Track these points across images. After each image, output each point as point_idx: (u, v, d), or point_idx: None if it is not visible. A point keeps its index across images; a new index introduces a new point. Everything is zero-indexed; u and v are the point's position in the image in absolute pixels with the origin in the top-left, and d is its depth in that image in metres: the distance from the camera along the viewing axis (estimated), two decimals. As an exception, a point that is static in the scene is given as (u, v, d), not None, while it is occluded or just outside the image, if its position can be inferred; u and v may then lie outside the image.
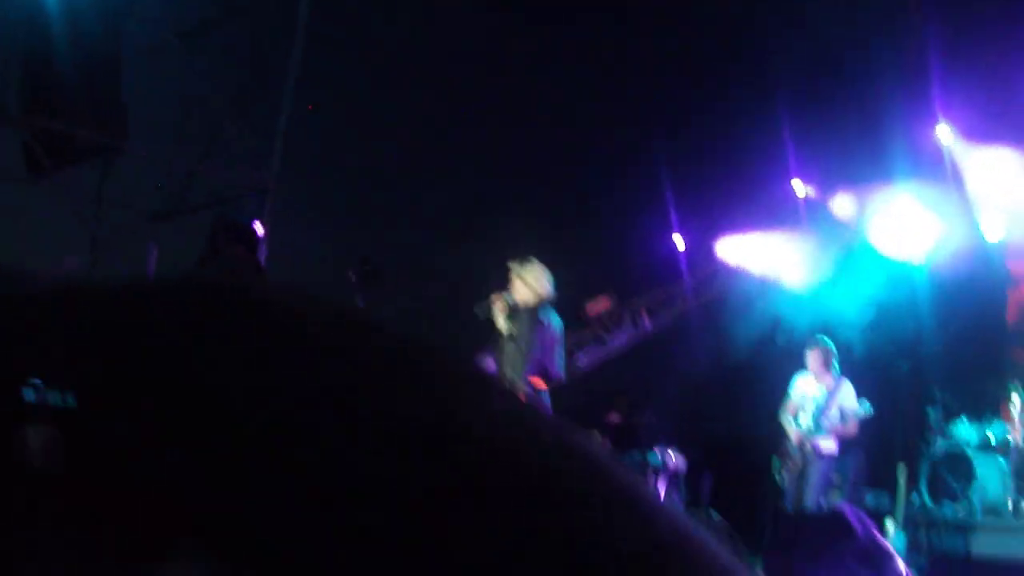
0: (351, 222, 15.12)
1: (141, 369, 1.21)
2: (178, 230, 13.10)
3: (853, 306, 15.60)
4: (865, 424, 11.85)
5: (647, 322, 18.50)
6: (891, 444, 13.51)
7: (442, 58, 15.73)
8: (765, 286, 17.20)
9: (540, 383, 9.19)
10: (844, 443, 12.02)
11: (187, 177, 13.61)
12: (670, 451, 12.85)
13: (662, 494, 11.72)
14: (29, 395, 1.16)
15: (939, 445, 12.68)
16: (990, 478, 12.07)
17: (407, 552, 1.15)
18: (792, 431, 11.95)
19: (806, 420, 11.87)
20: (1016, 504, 11.85)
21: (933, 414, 12.98)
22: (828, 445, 11.81)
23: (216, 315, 1.32)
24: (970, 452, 12.31)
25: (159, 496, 1.19)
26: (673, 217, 17.55)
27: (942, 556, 11.71)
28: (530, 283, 9.38)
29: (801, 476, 11.79)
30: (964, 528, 11.84)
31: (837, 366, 12.03)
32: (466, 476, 1.22)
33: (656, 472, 12.41)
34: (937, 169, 15.31)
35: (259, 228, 10.33)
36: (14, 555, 1.18)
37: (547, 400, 9.06)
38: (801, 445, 11.82)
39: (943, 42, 14.14)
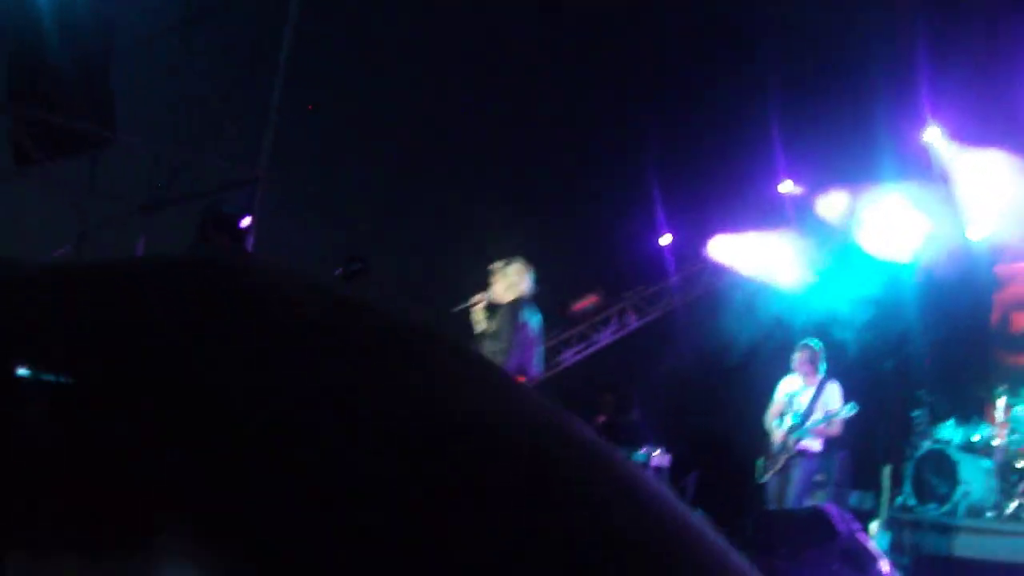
0: (341, 215, 15.11)
1: (137, 360, 1.20)
2: (167, 222, 13.06)
3: (840, 306, 15.63)
4: (850, 425, 11.87)
5: (633, 320, 18.51)
6: (876, 445, 13.54)
7: (433, 53, 15.72)
8: (752, 285, 17.23)
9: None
10: (829, 443, 12.03)
11: (177, 169, 13.57)
12: (655, 449, 12.86)
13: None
14: (23, 374, 1.16)
15: (924, 446, 12.71)
16: (975, 480, 12.10)
17: (407, 551, 1.15)
18: (777, 431, 11.96)
19: (791, 420, 11.88)
20: (1000, 506, 11.88)
21: (918, 415, 13.01)
22: (813, 445, 11.82)
23: (213, 294, 1.31)
24: (955, 453, 12.34)
25: (157, 493, 1.18)
26: (660, 215, 17.57)
27: (926, 557, 11.74)
28: (511, 281, 9.40)
29: (785, 476, 11.80)
30: (948, 529, 11.86)
31: (824, 367, 12.04)
32: (467, 472, 1.22)
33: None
34: (925, 170, 15.35)
35: (246, 220, 10.31)
36: (13, 556, 1.17)
37: None
38: (786, 445, 11.83)
39: (932, 43, 14.16)
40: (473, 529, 1.10)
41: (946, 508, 12.08)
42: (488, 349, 9.28)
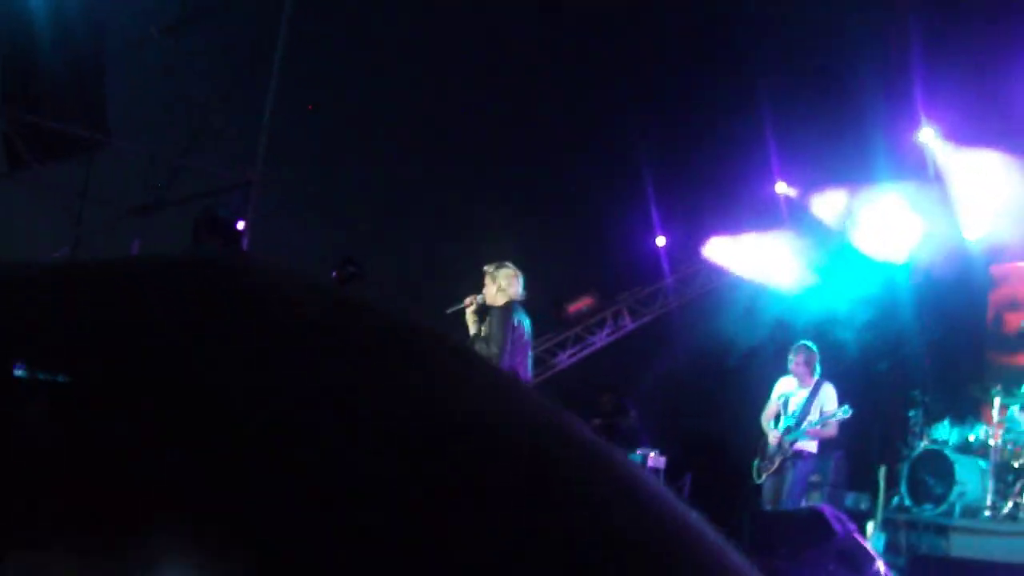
0: (336, 217, 15.11)
1: (136, 360, 1.20)
2: (162, 225, 13.06)
3: (835, 307, 15.64)
4: (846, 425, 11.86)
5: (629, 322, 18.51)
6: (872, 446, 13.54)
7: (430, 54, 15.72)
8: (747, 286, 17.24)
9: None
10: (825, 445, 12.04)
11: (171, 172, 13.57)
12: (651, 451, 12.86)
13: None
14: (20, 373, 1.16)
15: (920, 447, 12.71)
16: (970, 480, 12.11)
17: (407, 551, 1.14)
18: (772, 432, 11.96)
19: (787, 422, 11.88)
20: (996, 506, 11.89)
21: (914, 416, 13.02)
22: (809, 446, 11.82)
23: (213, 293, 1.31)
24: (950, 454, 12.34)
25: (157, 493, 1.18)
26: (656, 216, 17.57)
27: (922, 557, 11.74)
28: (502, 285, 9.42)
29: (781, 477, 11.80)
30: (944, 530, 11.87)
31: (819, 368, 12.04)
32: (468, 472, 1.21)
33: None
34: (920, 170, 15.36)
35: (241, 223, 10.32)
36: (12, 556, 1.16)
37: None
38: (781, 446, 11.83)
39: (927, 43, 14.18)
40: (473, 529, 1.09)
41: (942, 508, 12.09)
42: (479, 351, 9.28)
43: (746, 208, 17.25)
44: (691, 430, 15.49)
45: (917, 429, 12.93)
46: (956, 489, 12.05)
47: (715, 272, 17.97)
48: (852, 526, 9.84)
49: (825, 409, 11.75)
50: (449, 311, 9.52)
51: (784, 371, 12.19)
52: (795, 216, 17.06)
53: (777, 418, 11.98)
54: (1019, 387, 12.44)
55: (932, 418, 13.00)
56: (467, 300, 9.49)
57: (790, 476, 11.76)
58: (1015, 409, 12.26)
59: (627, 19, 16.10)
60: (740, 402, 13.14)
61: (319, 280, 1.47)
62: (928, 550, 11.83)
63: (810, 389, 11.90)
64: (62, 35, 11.77)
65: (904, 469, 12.69)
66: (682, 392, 15.81)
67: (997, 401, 12.39)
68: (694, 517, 1.32)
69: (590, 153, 17.00)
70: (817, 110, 15.02)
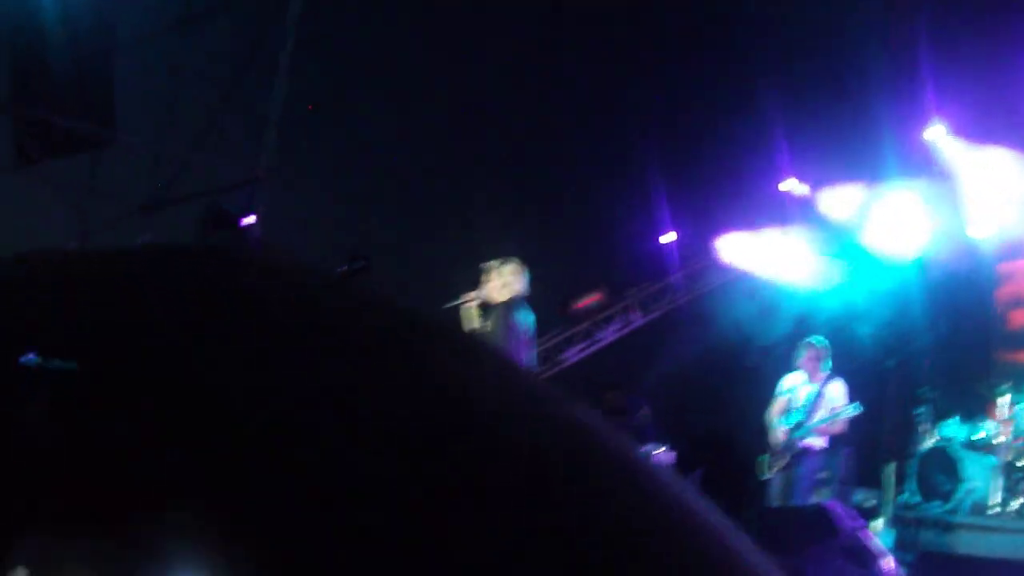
0: (343, 213, 15.10)
1: (137, 358, 1.20)
2: (168, 222, 13.06)
3: (844, 303, 15.61)
4: (854, 422, 11.86)
5: (637, 317, 18.49)
6: (880, 442, 13.53)
7: (434, 52, 15.70)
8: (755, 283, 17.21)
9: None
10: (833, 441, 12.03)
11: (178, 169, 13.56)
12: (659, 447, 12.85)
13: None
14: (29, 363, 1.16)
15: (927, 444, 12.69)
16: (978, 477, 12.09)
17: (407, 551, 1.14)
18: (780, 428, 11.95)
19: (795, 417, 11.88)
20: (1004, 503, 11.87)
21: (922, 413, 12.99)
22: (816, 443, 11.82)
23: (213, 288, 1.31)
24: (959, 451, 12.33)
25: (159, 493, 1.18)
26: (665, 212, 17.55)
27: (930, 554, 11.73)
28: (506, 280, 9.40)
29: (789, 473, 11.81)
30: (952, 526, 11.85)
31: (828, 364, 12.03)
32: (468, 471, 1.21)
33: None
34: (929, 167, 15.32)
35: (247, 220, 10.32)
36: (16, 553, 1.17)
37: None
38: (789, 443, 11.82)
39: (936, 39, 14.15)
40: (473, 528, 1.09)
41: (950, 506, 12.08)
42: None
43: (755, 204, 17.22)
44: (700, 426, 15.48)
45: (925, 426, 12.90)
46: (964, 486, 12.04)
47: (724, 268, 17.93)
48: (860, 523, 9.85)
49: (833, 405, 11.75)
50: (447, 306, 9.50)
51: (792, 367, 12.19)
52: (803, 212, 17.02)
53: (785, 414, 11.97)
54: (1026, 384, 12.44)
55: (940, 415, 12.97)
56: (466, 295, 9.46)
57: (798, 472, 11.77)
58: (1022, 407, 12.24)
59: (635, 15, 16.09)
60: (749, 398, 13.13)
61: (322, 273, 1.47)
62: (936, 547, 11.81)
63: (819, 385, 11.90)
64: (70, 32, 11.77)
65: (912, 466, 12.68)
66: (691, 388, 15.78)
67: (1005, 398, 12.37)
68: (702, 505, 1.33)
69: (598, 148, 16.97)
70: (826, 106, 14.99)
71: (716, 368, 15.79)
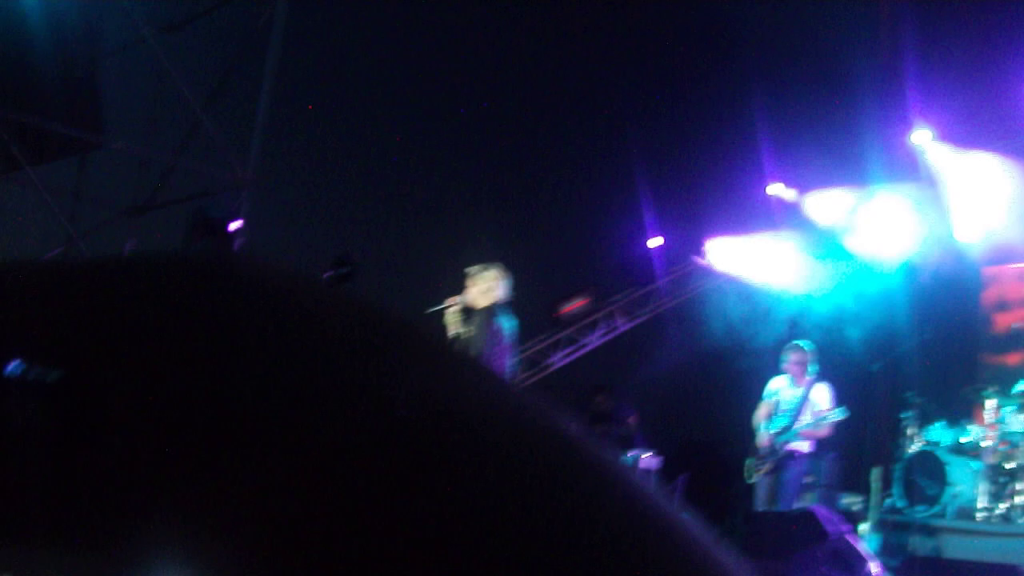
0: (328, 217, 15.10)
1: (131, 362, 1.20)
2: (154, 226, 13.05)
3: (829, 307, 15.65)
4: (840, 426, 11.87)
5: (622, 322, 18.52)
6: (865, 447, 13.55)
7: (422, 57, 15.71)
8: (740, 287, 17.24)
9: None
10: (818, 445, 12.04)
11: (164, 173, 13.56)
12: (645, 452, 12.86)
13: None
14: (14, 370, 1.16)
15: (913, 448, 12.71)
16: (964, 481, 12.11)
17: (404, 553, 1.14)
18: (766, 432, 11.97)
19: (780, 421, 11.89)
20: (990, 507, 11.89)
21: (907, 417, 13.01)
22: (802, 447, 11.83)
23: (205, 296, 1.31)
24: (944, 455, 12.35)
25: (145, 502, 1.18)
26: (650, 218, 17.57)
27: (916, 558, 11.74)
28: (487, 286, 9.41)
29: (775, 478, 11.81)
30: (938, 531, 11.87)
31: (814, 368, 12.05)
32: (454, 474, 1.21)
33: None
34: (915, 171, 15.36)
35: (234, 224, 10.29)
36: (11, 553, 1.17)
37: None
38: (775, 447, 11.84)
39: (921, 45, 14.19)
40: (459, 530, 1.09)
41: (935, 510, 12.09)
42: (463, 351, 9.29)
43: (740, 209, 17.26)
44: (685, 431, 15.50)
45: (910, 430, 12.92)
46: (949, 490, 12.06)
47: (709, 273, 17.97)
48: (846, 527, 9.85)
49: (819, 409, 11.76)
50: (430, 311, 9.50)
51: (778, 370, 12.20)
52: (789, 217, 17.05)
53: (770, 418, 11.98)
54: (1012, 388, 12.44)
55: (925, 419, 12.99)
56: (449, 300, 9.47)
57: (784, 476, 11.77)
58: (1008, 410, 12.27)
59: (620, 21, 16.11)
60: (735, 403, 13.14)
61: (307, 281, 1.47)
62: (922, 551, 11.82)
63: (803, 389, 11.91)
64: (55, 36, 11.76)
65: (898, 470, 12.69)
66: (676, 393, 15.80)
67: (991, 402, 12.40)
68: (674, 511, 1.33)
69: (585, 153, 17.00)
70: (813, 111, 15.02)
71: (702, 373, 15.82)
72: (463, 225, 14.82)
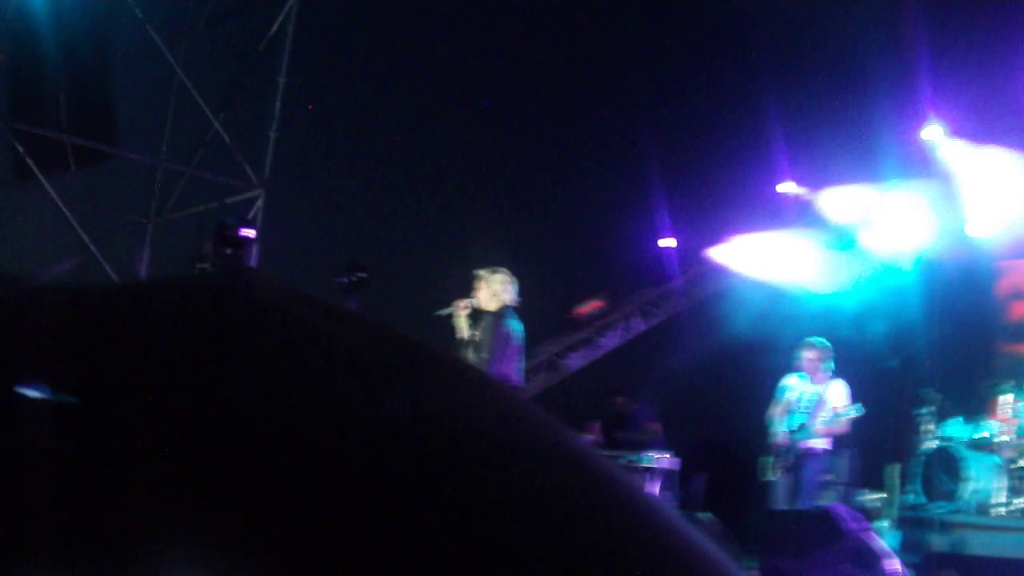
0: (342, 224, 15.11)
1: (142, 372, 1.21)
2: (168, 234, 13.08)
3: (844, 304, 15.62)
4: (857, 423, 11.85)
5: (639, 324, 18.51)
6: (883, 443, 13.52)
7: (433, 59, 15.73)
8: (756, 285, 17.21)
9: None
10: (836, 442, 12.02)
11: (179, 180, 13.60)
12: (664, 453, 12.85)
13: (655, 495, 11.69)
14: (30, 393, 1.17)
15: (931, 444, 12.69)
16: (982, 476, 12.08)
17: (404, 559, 1.15)
18: (782, 430, 11.95)
19: (797, 419, 11.87)
20: (1008, 502, 11.87)
21: (925, 413, 12.99)
22: (820, 444, 11.81)
23: (217, 318, 1.32)
24: (962, 451, 12.33)
25: (159, 499, 1.19)
26: (664, 217, 17.55)
27: (935, 555, 11.72)
28: (495, 289, 9.44)
29: (794, 476, 11.80)
30: (957, 527, 11.85)
31: (830, 365, 12.03)
32: (457, 487, 1.22)
33: (649, 473, 12.40)
34: (928, 167, 15.33)
35: (248, 232, 10.33)
36: (17, 557, 1.18)
37: None
38: (792, 445, 11.82)
39: (933, 39, 14.16)
40: (463, 540, 1.10)
41: (954, 506, 12.07)
42: (470, 356, 9.31)
43: (754, 207, 17.23)
44: (703, 431, 15.48)
45: (928, 426, 12.90)
46: (968, 486, 12.04)
47: (725, 273, 17.94)
48: (864, 524, 9.84)
49: (835, 406, 11.74)
50: (437, 313, 9.53)
51: (794, 368, 12.19)
52: (802, 214, 17.02)
53: (787, 416, 11.97)
54: (1028, 381, 12.45)
55: (943, 415, 12.98)
56: (458, 303, 9.50)
57: (802, 474, 11.76)
58: (1024, 405, 12.26)
59: (631, 19, 16.11)
60: (753, 402, 13.12)
61: (322, 304, 1.48)
62: (941, 547, 11.80)
63: (820, 386, 11.90)
64: (68, 46, 11.81)
65: (916, 467, 12.68)
66: (694, 393, 15.77)
67: (1007, 397, 12.38)
68: (691, 529, 1.34)
69: (597, 154, 17.00)
70: (824, 107, 15.01)
71: (720, 372, 15.78)
72: (475, 228, 14.82)
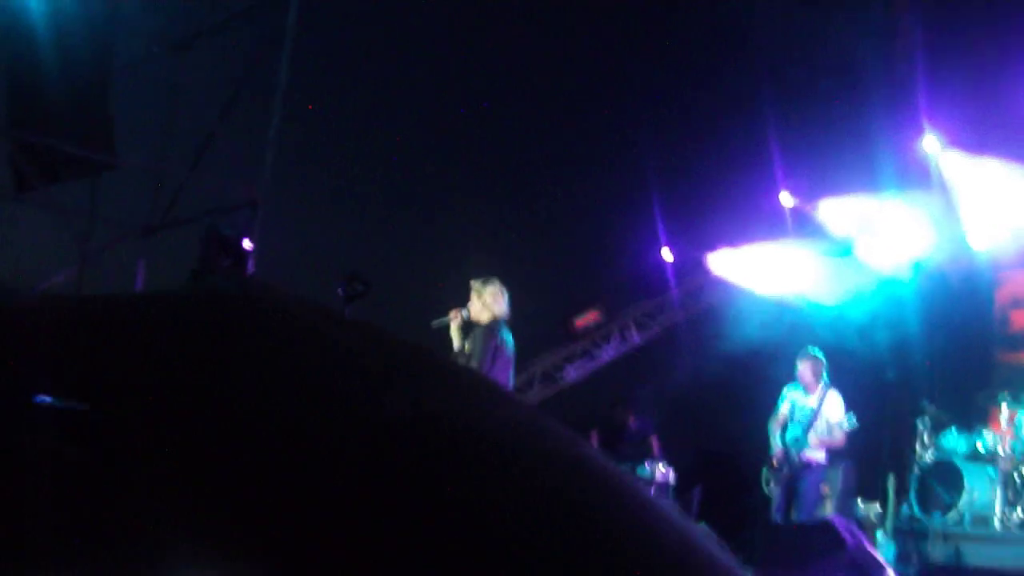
0: (341, 234, 15.11)
1: (146, 378, 1.22)
2: (168, 244, 13.07)
3: (841, 316, 15.61)
4: (854, 435, 11.84)
5: (636, 335, 18.49)
6: (880, 455, 13.52)
7: (431, 69, 15.74)
8: (753, 297, 17.21)
9: None
10: (833, 454, 12.01)
11: (177, 192, 13.57)
12: (660, 464, 12.84)
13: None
14: (39, 400, 1.18)
15: (928, 456, 12.69)
16: (979, 488, 12.08)
17: (404, 558, 1.16)
18: (780, 442, 11.94)
19: (794, 431, 11.86)
20: (1005, 514, 11.86)
21: (922, 425, 12.99)
22: (817, 456, 11.80)
23: (220, 327, 1.33)
24: (959, 462, 12.32)
25: (163, 499, 1.20)
26: (661, 229, 17.55)
27: (932, 566, 11.72)
28: (487, 301, 9.44)
29: (791, 488, 11.79)
30: (954, 538, 11.84)
31: (826, 376, 12.02)
32: (457, 491, 1.23)
33: (647, 485, 12.39)
34: (925, 178, 15.34)
35: (248, 242, 10.31)
36: (24, 557, 1.19)
37: None
38: (789, 456, 11.81)
39: (930, 51, 14.19)
40: (464, 542, 1.11)
41: (951, 517, 12.06)
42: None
43: (750, 219, 17.23)
44: (700, 442, 15.47)
45: (925, 438, 12.90)
46: (965, 498, 12.03)
47: (721, 284, 17.93)
48: (862, 536, 9.83)
49: (830, 418, 11.73)
50: (434, 324, 9.54)
51: (791, 380, 12.18)
52: (799, 226, 17.02)
53: (784, 427, 11.96)
54: (1026, 392, 12.46)
55: (940, 426, 12.97)
56: (452, 313, 9.51)
57: (800, 486, 11.75)
58: (1022, 416, 12.25)
59: (629, 31, 16.13)
60: (749, 413, 13.11)
61: (325, 310, 1.48)
62: (938, 559, 11.80)
63: (817, 398, 11.89)
64: (67, 56, 11.79)
65: (913, 478, 12.67)
66: (690, 405, 15.76)
67: (1005, 408, 12.38)
68: (701, 536, 1.34)
69: (593, 166, 17.01)
70: (820, 119, 15.02)
71: (716, 383, 15.77)
72: (473, 238, 14.83)
